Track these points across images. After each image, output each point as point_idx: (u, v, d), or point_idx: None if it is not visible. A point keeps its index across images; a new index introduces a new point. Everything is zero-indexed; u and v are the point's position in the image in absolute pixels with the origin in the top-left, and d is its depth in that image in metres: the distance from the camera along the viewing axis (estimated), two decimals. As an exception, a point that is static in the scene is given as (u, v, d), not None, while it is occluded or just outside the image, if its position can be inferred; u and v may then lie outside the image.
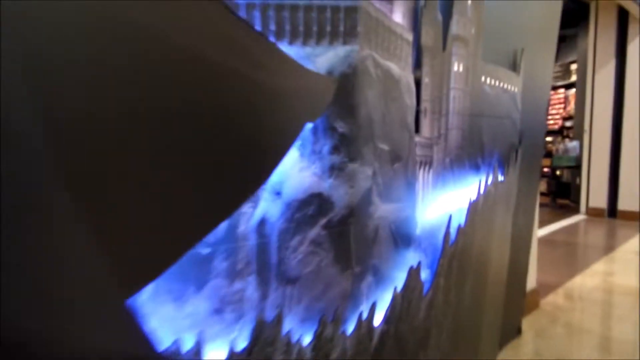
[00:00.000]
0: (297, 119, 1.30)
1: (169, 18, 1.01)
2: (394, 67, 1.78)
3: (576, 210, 9.49)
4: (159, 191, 1.03)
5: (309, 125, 1.46)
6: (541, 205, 7.24)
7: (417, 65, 2.05)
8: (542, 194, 10.07)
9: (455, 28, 2.18)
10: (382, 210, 1.81)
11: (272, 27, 1.36)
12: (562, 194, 10.37)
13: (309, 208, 1.50)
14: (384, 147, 1.77)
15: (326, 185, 1.53)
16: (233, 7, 1.20)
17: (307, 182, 1.48)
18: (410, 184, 1.96)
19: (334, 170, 1.53)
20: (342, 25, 1.49)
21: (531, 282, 4.13)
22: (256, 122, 1.20)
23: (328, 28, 1.46)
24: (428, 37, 2.04)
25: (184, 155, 1.07)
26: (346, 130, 1.54)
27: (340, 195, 1.56)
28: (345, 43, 1.50)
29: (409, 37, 1.87)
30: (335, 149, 1.53)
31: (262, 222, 1.42)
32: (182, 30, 1.03)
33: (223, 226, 1.33)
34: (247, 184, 1.21)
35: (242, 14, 1.30)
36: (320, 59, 1.45)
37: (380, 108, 1.72)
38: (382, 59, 1.71)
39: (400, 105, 1.84)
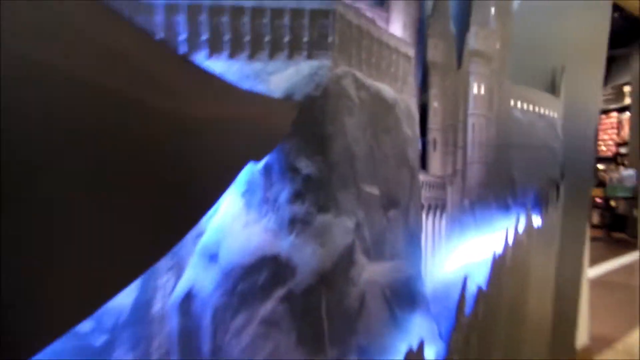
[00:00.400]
0: (230, 157, 0.94)
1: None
2: (386, 88, 1.39)
3: (634, 246, 8.58)
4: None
5: (257, 166, 1.09)
6: (594, 239, 6.48)
7: (423, 86, 1.65)
8: (595, 226, 9.21)
9: (473, 42, 1.77)
10: (371, 271, 1.40)
11: (205, 35, 1.01)
12: (618, 227, 9.45)
13: (258, 276, 1.11)
14: (373, 190, 1.37)
15: (285, 245, 1.14)
16: (132, 9, 0.85)
17: (255, 240, 1.10)
18: (413, 235, 1.54)
19: (296, 224, 1.15)
20: (307, 34, 1.12)
21: (582, 337, 3.52)
22: (165, 160, 0.85)
23: (286, 38, 1.10)
24: (437, 52, 1.64)
25: (55, 201, 0.77)
26: (313, 170, 1.16)
27: (306, 257, 1.17)
28: (310, 57, 1.13)
29: (409, 51, 1.48)
30: (297, 196, 1.14)
31: (189, 297, 1.04)
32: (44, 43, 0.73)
33: (127, 303, 0.96)
34: (149, 244, 0.86)
35: (160, 18, 0.95)
36: (275, 77, 1.09)
37: (366, 140, 1.33)
38: (369, 79, 1.33)
39: (397, 136, 1.44)
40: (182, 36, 0.98)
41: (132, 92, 0.73)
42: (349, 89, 1.20)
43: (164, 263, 1.04)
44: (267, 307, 1.09)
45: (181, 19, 0.98)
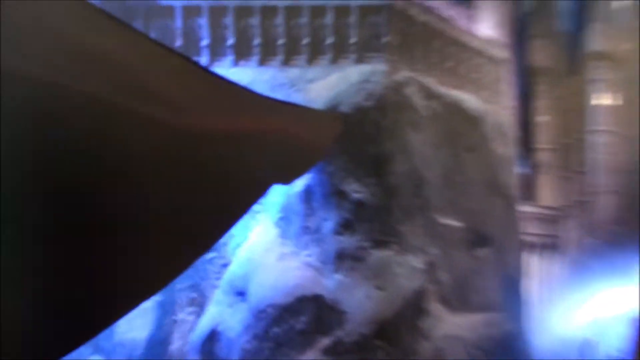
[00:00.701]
0: (249, 179, 0.79)
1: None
2: (468, 98, 1.16)
3: None
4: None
5: (294, 189, 0.93)
6: None
7: (525, 97, 1.36)
8: None
9: (595, 41, 1.43)
10: (453, 324, 1.13)
11: (230, 40, 0.91)
12: None
13: (296, 319, 0.95)
14: (452, 222, 1.12)
15: (330, 284, 0.96)
16: (149, 12, 0.78)
17: (292, 277, 0.94)
18: (512, 281, 1.24)
19: (345, 259, 0.96)
20: (355, 34, 0.95)
21: None
22: (165, 177, 0.75)
23: (329, 39, 0.95)
24: (544, 54, 1.35)
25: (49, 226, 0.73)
26: (366, 195, 0.97)
27: (358, 300, 0.97)
28: (360, 61, 0.97)
29: (500, 54, 1.23)
30: (345, 226, 0.96)
31: (213, 337, 0.91)
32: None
33: (141, 338, 0.85)
34: (153, 269, 0.76)
35: (178, 22, 0.87)
36: (315, 85, 0.94)
37: (441, 161, 1.10)
38: (443, 87, 1.11)
39: (485, 156, 1.18)
40: (204, 42, 0.88)
41: (116, 99, 0.62)
42: (413, 99, 0.99)
43: (183, 296, 0.92)
44: (308, 357, 0.91)
45: (203, 22, 0.89)
